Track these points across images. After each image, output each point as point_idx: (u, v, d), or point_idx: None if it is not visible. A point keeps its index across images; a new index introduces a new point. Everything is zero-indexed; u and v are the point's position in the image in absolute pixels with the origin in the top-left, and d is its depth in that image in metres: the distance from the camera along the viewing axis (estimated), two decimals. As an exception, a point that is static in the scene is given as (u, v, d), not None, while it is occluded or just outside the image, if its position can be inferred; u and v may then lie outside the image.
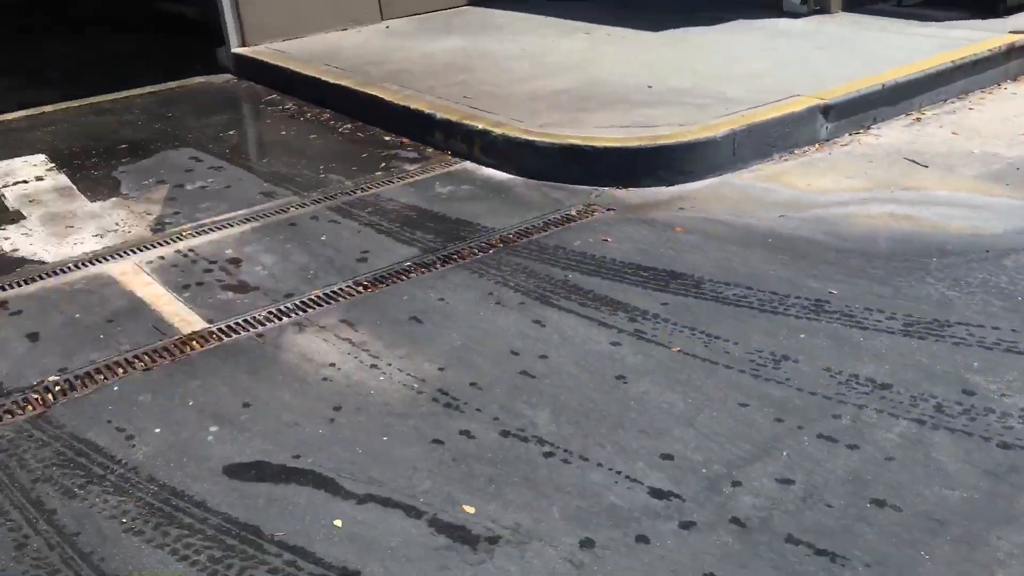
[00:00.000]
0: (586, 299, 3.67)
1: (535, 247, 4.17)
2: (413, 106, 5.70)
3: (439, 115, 5.49)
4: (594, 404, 3.01)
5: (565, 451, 2.80)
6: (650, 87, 5.65)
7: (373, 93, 6.05)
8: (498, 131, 5.10)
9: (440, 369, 3.27)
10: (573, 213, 4.51)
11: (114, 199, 5.12)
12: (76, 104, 7.03)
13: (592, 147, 4.78)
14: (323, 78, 6.53)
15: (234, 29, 7.55)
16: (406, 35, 7.70)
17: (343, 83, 6.33)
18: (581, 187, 4.77)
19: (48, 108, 6.97)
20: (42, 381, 3.36)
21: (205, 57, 7.93)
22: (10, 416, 3.17)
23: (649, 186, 4.74)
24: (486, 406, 3.04)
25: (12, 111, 6.94)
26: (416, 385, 3.19)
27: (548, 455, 2.79)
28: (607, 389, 3.09)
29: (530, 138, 4.97)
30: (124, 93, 7.24)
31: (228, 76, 7.62)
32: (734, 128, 4.84)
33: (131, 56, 8.70)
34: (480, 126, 5.21)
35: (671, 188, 4.71)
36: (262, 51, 7.46)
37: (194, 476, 2.79)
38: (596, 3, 8.07)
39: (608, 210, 4.51)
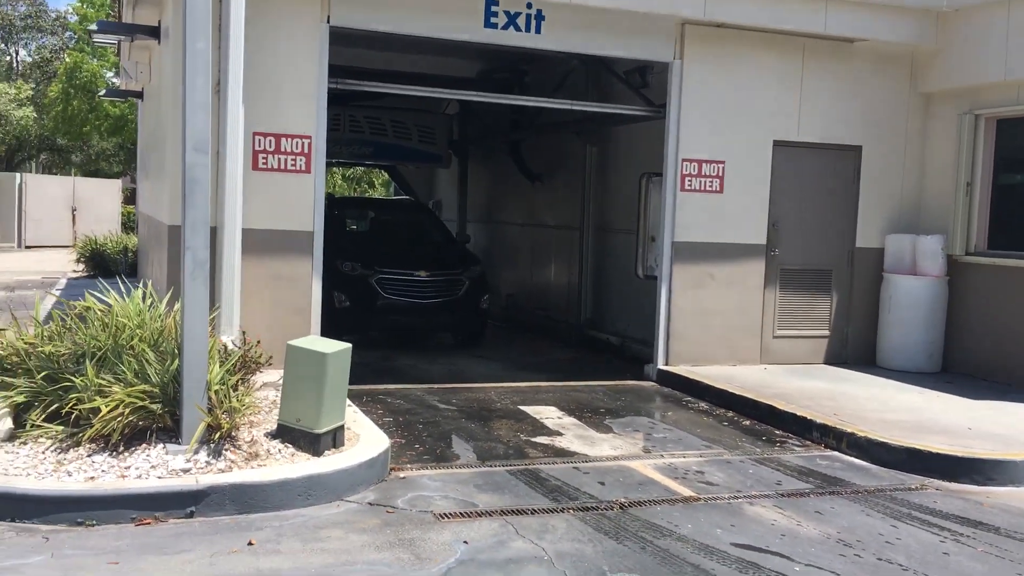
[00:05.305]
0: (928, 522, 6.24)
1: (888, 498, 6.81)
2: (799, 414, 8.67)
3: (818, 420, 8.40)
4: None
5: None
6: (970, 428, 8.24)
7: (769, 403, 9.13)
8: (861, 434, 7.91)
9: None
10: (913, 486, 7.12)
11: (611, 435, 8.42)
12: (560, 384, 10.75)
13: (928, 451, 7.46)
14: (730, 390, 9.75)
15: (663, 354, 11.13)
16: (780, 375, 10.84)
17: (746, 395, 9.49)
18: (917, 476, 7.37)
19: (543, 383, 10.74)
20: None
21: (632, 370, 11.56)
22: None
23: (964, 483, 7.24)
24: (866, 550, 5.68)
25: (520, 382, 10.76)
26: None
27: None
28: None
29: (886, 440, 7.74)
30: (587, 383, 10.89)
31: (652, 383, 11.08)
32: (1029, 456, 7.30)
33: (577, 361, 12.60)
34: (849, 430, 8.05)
35: (981, 488, 7.18)
36: (680, 370, 10.90)
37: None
38: (924, 376, 10.85)
39: (935, 489, 7.07)
